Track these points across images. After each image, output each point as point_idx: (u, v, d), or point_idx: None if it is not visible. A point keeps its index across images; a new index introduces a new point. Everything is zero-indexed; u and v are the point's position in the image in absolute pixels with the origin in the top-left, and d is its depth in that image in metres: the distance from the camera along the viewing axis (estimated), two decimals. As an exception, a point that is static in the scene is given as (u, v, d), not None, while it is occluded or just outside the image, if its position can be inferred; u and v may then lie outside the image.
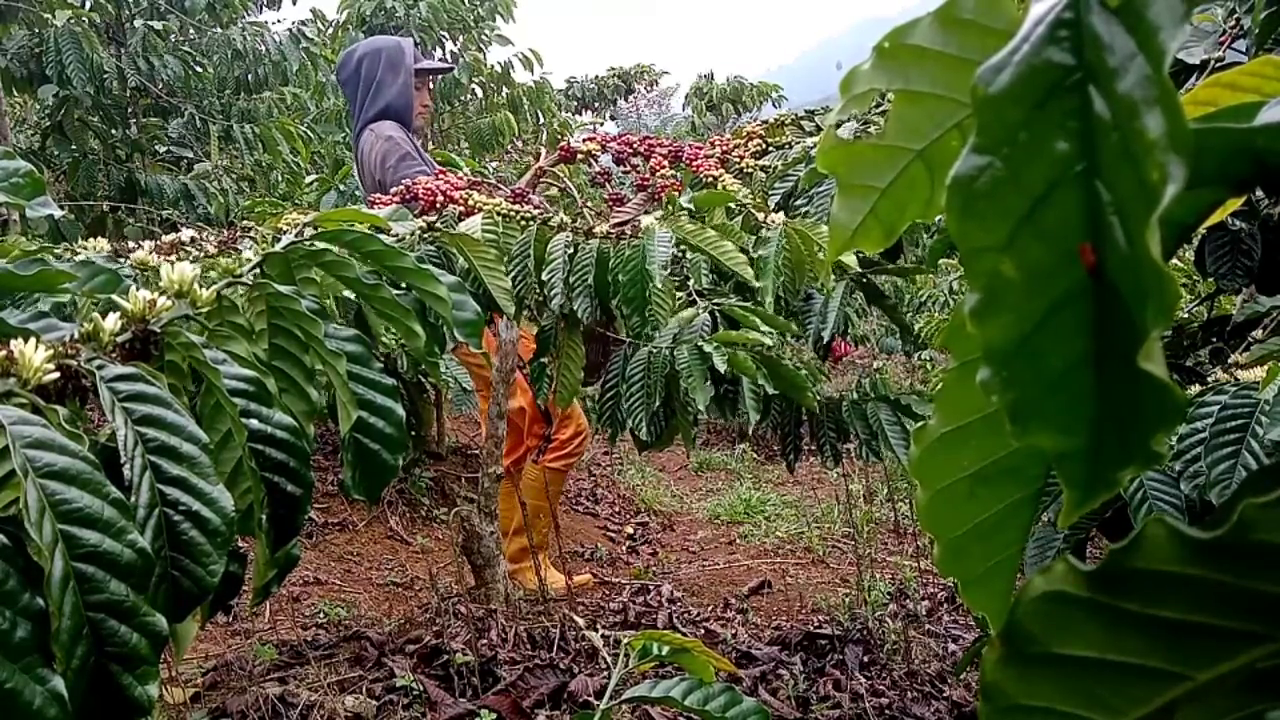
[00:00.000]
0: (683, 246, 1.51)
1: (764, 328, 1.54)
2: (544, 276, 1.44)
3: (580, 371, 1.66)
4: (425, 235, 1.37)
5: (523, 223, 1.51)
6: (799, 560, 3.49)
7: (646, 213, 1.61)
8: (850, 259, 1.59)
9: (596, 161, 1.89)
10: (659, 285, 1.38)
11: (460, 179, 1.66)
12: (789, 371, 1.61)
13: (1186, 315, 1.94)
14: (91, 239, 1.15)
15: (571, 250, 1.46)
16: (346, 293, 0.91)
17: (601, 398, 1.71)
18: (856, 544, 3.26)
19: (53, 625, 0.46)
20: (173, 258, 1.05)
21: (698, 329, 1.61)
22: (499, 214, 1.50)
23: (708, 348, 1.52)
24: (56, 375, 0.58)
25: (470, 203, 1.53)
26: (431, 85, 3.21)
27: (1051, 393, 0.26)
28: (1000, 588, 0.39)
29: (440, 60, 5.39)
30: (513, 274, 1.44)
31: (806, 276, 1.55)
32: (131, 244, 1.10)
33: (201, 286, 0.71)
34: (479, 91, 6.21)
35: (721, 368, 1.49)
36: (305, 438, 0.69)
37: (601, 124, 7.53)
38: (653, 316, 1.40)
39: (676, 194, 1.63)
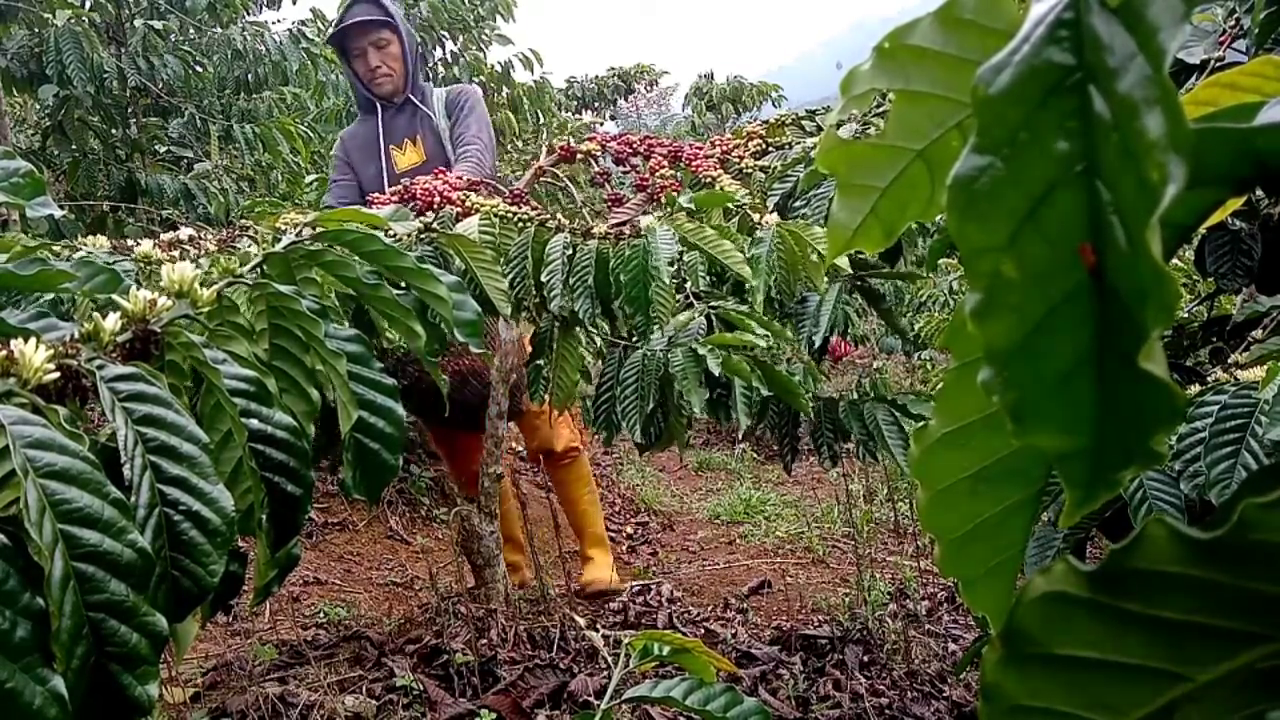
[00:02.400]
0: (681, 246, 1.51)
1: (759, 331, 1.53)
2: (543, 278, 1.44)
3: (577, 374, 1.66)
4: (422, 236, 1.37)
5: (520, 224, 1.51)
6: (799, 560, 3.49)
7: (645, 213, 1.61)
8: (843, 262, 1.59)
9: (597, 161, 1.89)
10: (665, 282, 1.37)
11: (458, 179, 1.66)
12: (783, 377, 1.61)
13: (1186, 315, 1.94)
14: (91, 236, 1.15)
15: (570, 251, 1.46)
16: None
17: (597, 400, 1.71)
18: (856, 544, 3.26)
19: (53, 625, 0.46)
20: (174, 254, 1.05)
21: (693, 332, 1.60)
22: (496, 215, 1.50)
23: (702, 350, 1.52)
24: (57, 375, 0.58)
25: (468, 204, 1.53)
26: (380, 43, 2.70)
27: (1052, 393, 0.26)
28: (1001, 588, 0.39)
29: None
30: (511, 275, 1.44)
31: (800, 278, 1.55)
32: (132, 241, 1.11)
33: (202, 286, 0.71)
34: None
35: (715, 370, 1.49)
36: (305, 438, 0.69)
37: (601, 123, 7.53)
38: (657, 315, 1.40)
39: (675, 194, 1.63)
